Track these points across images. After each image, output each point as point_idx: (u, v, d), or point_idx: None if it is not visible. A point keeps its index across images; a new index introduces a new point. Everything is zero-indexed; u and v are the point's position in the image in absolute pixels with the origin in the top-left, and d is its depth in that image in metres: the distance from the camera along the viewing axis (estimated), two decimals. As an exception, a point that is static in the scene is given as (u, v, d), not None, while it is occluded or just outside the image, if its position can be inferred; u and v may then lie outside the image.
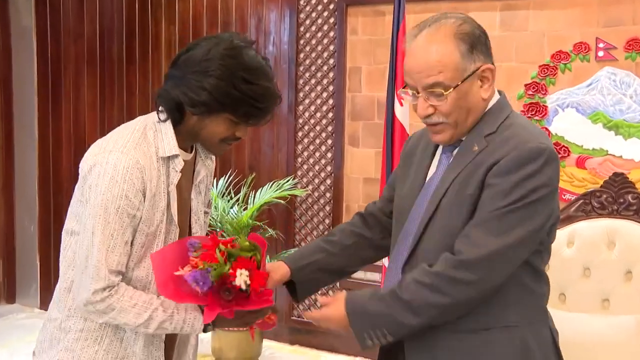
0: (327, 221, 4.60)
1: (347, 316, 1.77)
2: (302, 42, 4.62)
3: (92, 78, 5.34)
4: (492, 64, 1.79)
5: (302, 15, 4.60)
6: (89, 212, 1.78)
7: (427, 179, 1.88)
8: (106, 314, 1.79)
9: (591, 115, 3.82)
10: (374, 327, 1.73)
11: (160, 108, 1.87)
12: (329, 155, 4.58)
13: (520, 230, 1.67)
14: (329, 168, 4.59)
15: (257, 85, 1.79)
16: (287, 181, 4.52)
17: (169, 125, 1.87)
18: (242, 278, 1.76)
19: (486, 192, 1.70)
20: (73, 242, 1.88)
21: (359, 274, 4.50)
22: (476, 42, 1.74)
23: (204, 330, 1.89)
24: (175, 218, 1.89)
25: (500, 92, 1.85)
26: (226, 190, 4.55)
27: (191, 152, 1.97)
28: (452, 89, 1.72)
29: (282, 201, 4.46)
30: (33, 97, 5.51)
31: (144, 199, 1.80)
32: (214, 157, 2.12)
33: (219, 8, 4.84)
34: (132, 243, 1.83)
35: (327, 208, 4.60)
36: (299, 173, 4.69)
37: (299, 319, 4.74)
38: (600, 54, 3.77)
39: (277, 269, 2.00)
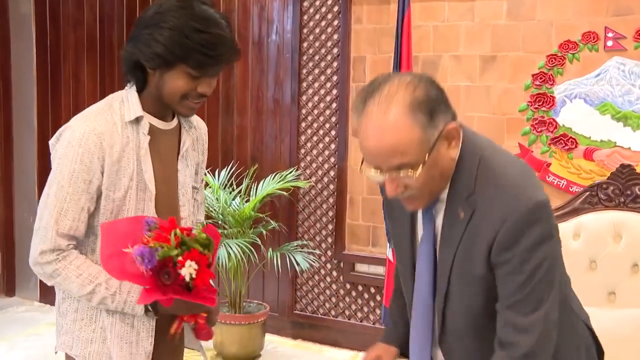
0: (330, 213, 4.56)
1: None
2: (305, 30, 4.56)
3: (92, 66, 5.29)
4: (454, 117, 1.61)
5: (305, 4, 4.55)
6: (49, 177, 1.87)
7: (418, 241, 1.78)
8: (53, 278, 1.85)
9: (599, 106, 3.77)
10: None
11: (125, 77, 1.93)
12: (333, 146, 4.52)
13: (550, 290, 1.61)
14: (332, 159, 4.54)
15: (208, 34, 1.79)
16: (290, 172, 4.48)
17: (133, 92, 1.91)
18: (188, 270, 1.73)
19: (500, 270, 1.60)
20: None
21: (363, 267, 4.48)
22: (435, 106, 1.55)
23: (145, 314, 1.90)
24: (150, 185, 1.90)
25: (458, 129, 1.63)
26: (228, 181, 4.51)
27: (172, 120, 2.00)
28: (420, 165, 1.55)
29: (285, 193, 4.42)
30: (32, 86, 5.46)
31: (104, 165, 1.83)
32: (201, 127, 2.14)
33: (221, -4, 4.79)
34: (97, 209, 1.86)
35: (331, 200, 4.55)
36: (302, 164, 4.64)
37: (302, 313, 4.70)
38: (609, 43, 3.71)
39: (387, 351, 1.96)
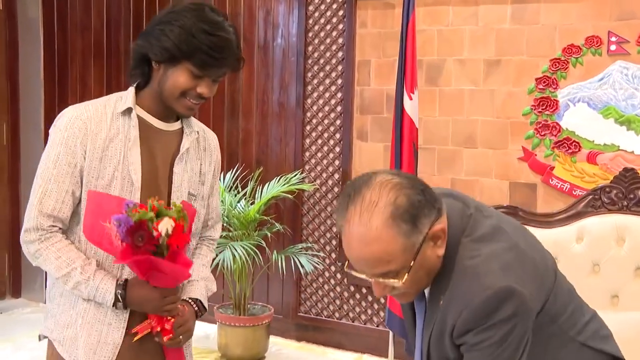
0: (334, 216, 4.56)
1: None
2: (310, 34, 4.59)
3: (98, 70, 5.33)
4: (439, 215, 1.57)
5: (310, 8, 4.57)
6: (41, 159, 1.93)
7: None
8: (36, 258, 1.91)
9: (603, 110, 3.78)
10: None
11: (133, 72, 1.99)
12: (337, 149, 4.54)
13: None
14: (337, 162, 4.56)
15: (215, 37, 1.87)
16: (295, 175, 4.50)
17: (132, 88, 1.99)
18: (165, 225, 1.77)
19: (469, 355, 1.59)
20: None
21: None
22: (418, 213, 1.51)
23: (114, 305, 1.90)
24: (134, 176, 1.92)
25: (438, 215, 1.59)
26: (233, 184, 4.53)
27: (174, 122, 2.05)
28: (405, 272, 1.53)
29: (289, 196, 4.44)
30: (39, 90, 5.50)
31: (86, 150, 1.88)
32: (210, 138, 2.15)
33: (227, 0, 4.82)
34: (82, 197, 1.90)
35: (335, 203, 4.57)
36: (307, 167, 4.66)
37: (306, 315, 4.72)
38: (613, 47, 3.73)
39: None
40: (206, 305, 2.14)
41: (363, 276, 1.58)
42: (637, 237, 2.74)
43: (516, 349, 1.55)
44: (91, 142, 1.89)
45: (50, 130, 1.94)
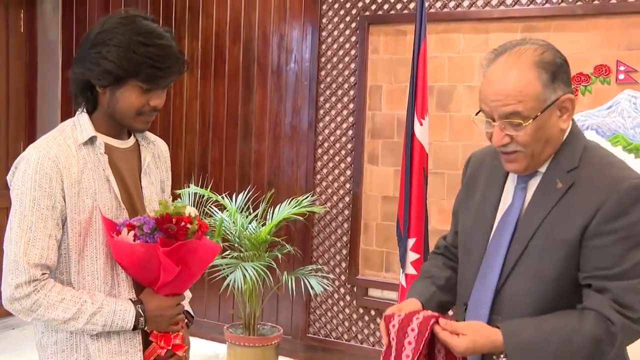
0: (344, 239, 4.62)
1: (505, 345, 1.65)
2: (323, 59, 4.66)
3: (115, 92, 5.41)
4: (572, 93, 1.71)
5: (324, 33, 4.65)
6: (10, 214, 1.81)
7: (501, 213, 1.81)
8: (33, 311, 1.79)
9: (611, 137, 3.82)
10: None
11: (75, 101, 1.93)
12: (348, 172, 4.59)
13: None
14: (347, 185, 4.61)
15: (154, 46, 1.81)
16: (306, 198, 4.54)
17: (84, 115, 1.91)
18: (189, 209, 1.87)
19: (603, 240, 1.62)
20: None
21: (376, 292, 4.52)
22: (558, 72, 1.66)
23: (134, 328, 1.88)
24: (120, 200, 1.90)
25: (572, 120, 1.76)
26: (245, 205, 4.58)
27: (128, 138, 2.01)
28: (531, 119, 1.64)
29: (300, 218, 4.48)
30: (57, 110, 5.61)
31: (64, 188, 1.80)
32: (160, 145, 2.14)
33: (242, 25, 4.90)
34: (65, 234, 1.83)
35: (345, 225, 4.62)
36: (318, 190, 4.71)
37: (314, 336, 4.74)
38: (621, 76, 3.78)
39: (412, 303, 1.89)
40: (192, 313, 2.17)
41: (489, 124, 1.70)
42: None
43: None
44: (66, 178, 1.81)
45: (14, 178, 1.83)
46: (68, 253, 1.84)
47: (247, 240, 4.30)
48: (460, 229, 1.94)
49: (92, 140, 1.89)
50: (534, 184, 1.76)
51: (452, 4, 4.22)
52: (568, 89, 1.69)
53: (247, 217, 4.46)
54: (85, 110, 1.92)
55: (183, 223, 1.85)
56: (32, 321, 1.86)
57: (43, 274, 1.79)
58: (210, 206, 4.56)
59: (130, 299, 1.90)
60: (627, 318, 1.59)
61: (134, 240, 1.84)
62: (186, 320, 2.10)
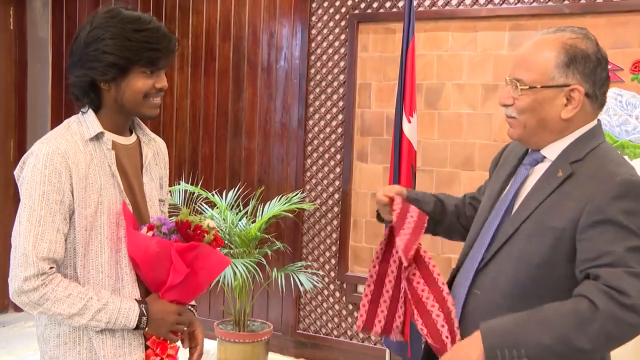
0: (334, 235, 4.64)
1: (482, 338, 1.63)
2: (313, 57, 4.68)
3: (105, 89, 5.42)
4: (592, 90, 1.72)
5: (313, 32, 4.67)
6: (19, 207, 1.84)
7: (504, 192, 1.87)
8: (40, 305, 1.82)
9: (598, 135, 3.85)
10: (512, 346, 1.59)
11: (78, 103, 1.97)
12: (338, 170, 4.62)
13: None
14: (337, 183, 4.63)
15: (147, 30, 1.89)
16: (296, 195, 4.57)
17: (89, 112, 1.95)
18: (208, 222, 1.96)
19: (592, 232, 1.63)
20: None
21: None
22: (579, 60, 1.70)
23: (136, 327, 1.91)
24: (124, 196, 1.94)
25: (598, 121, 1.80)
26: (235, 202, 4.60)
27: (130, 135, 2.05)
28: (528, 87, 1.72)
29: (290, 214, 4.50)
30: (47, 108, 5.61)
31: (72, 183, 1.84)
32: (159, 142, 2.18)
33: (232, 22, 4.92)
34: (72, 228, 1.86)
35: (335, 222, 4.64)
36: (308, 187, 4.74)
37: (304, 332, 4.77)
38: (607, 75, 3.81)
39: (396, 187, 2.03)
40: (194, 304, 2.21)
41: (507, 78, 1.78)
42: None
43: None
44: (75, 174, 1.85)
45: (23, 173, 1.87)
46: (74, 247, 1.87)
47: (237, 237, 4.32)
48: (481, 203, 2.02)
49: (98, 137, 1.93)
50: (541, 169, 1.80)
51: (440, 3, 4.25)
52: (585, 83, 1.71)
53: (237, 214, 4.48)
54: (90, 109, 1.96)
55: (200, 231, 1.93)
56: (37, 314, 1.89)
57: (51, 267, 1.82)
58: (200, 203, 4.57)
59: (135, 299, 1.93)
60: (618, 303, 1.54)
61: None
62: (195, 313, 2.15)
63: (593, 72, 1.72)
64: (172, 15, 5.14)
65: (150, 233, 1.92)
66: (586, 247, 1.63)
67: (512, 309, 1.67)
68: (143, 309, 1.91)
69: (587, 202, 1.64)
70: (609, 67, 3.76)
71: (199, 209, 4.55)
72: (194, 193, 4.61)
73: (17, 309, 5.59)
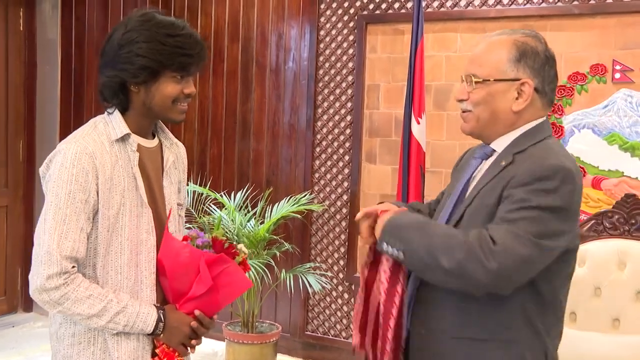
0: (342, 237, 4.64)
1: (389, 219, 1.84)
2: (321, 58, 4.68)
3: (114, 91, 5.43)
4: (542, 86, 1.83)
5: (322, 33, 4.67)
6: (45, 202, 1.85)
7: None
8: (60, 304, 1.82)
9: (607, 136, 3.84)
10: (397, 239, 1.79)
11: (106, 103, 1.98)
12: (346, 171, 4.61)
13: (529, 233, 1.67)
14: (345, 184, 4.63)
15: (180, 36, 1.91)
16: (304, 196, 4.56)
17: (116, 113, 1.96)
18: (241, 247, 2.03)
19: (504, 205, 1.73)
20: None
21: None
22: (529, 56, 1.81)
23: (152, 332, 1.91)
24: (145, 199, 1.94)
25: (546, 117, 1.89)
26: (243, 204, 4.60)
27: (153, 138, 2.06)
28: (482, 81, 1.81)
29: (298, 216, 4.50)
30: (55, 109, 5.63)
31: (98, 183, 1.85)
32: (180, 146, 2.19)
33: (240, 23, 4.92)
34: (94, 228, 1.87)
35: (343, 224, 4.64)
36: (316, 188, 4.73)
37: (313, 334, 4.76)
38: (617, 75, 3.80)
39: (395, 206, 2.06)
40: None
41: (462, 76, 1.88)
42: (637, 262, 2.79)
43: (547, 228, 1.69)
44: (101, 174, 1.86)
45: (50, 171, 1.87)
46: (95, 247, 1.88)
47: (246, 238, 4.32)
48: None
49: (124, 138, 1.94)
50: (490, 162, 1.89)
51: (449, 4, 4.24)
52: (533, 77, 1.81)
53: (245, 215, 4.48)
54: (116, 109, 1.97)
55: (233, 250, 2.00)
56: (56, 313, 1.89)
57: (73, 266, 1.83)
58: (209, 204, 4.58)
59: (154, 305, 1.93)
60: (483, 244, 1.65)
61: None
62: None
63: (542, 68, 1.82)
64: (181, 16, 5.15)
65: (184, 243, 1.97)
66: (496, 214, 1.74)
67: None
68: (161, 315, 1.92)
69: (513, 178, 1.74)
70: (619, 67, 3.78)
71: (207, 210, 4.55)
72: (202, 194, 4.61)
73: (27, 309, 5.61)
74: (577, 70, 3.88)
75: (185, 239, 1.98)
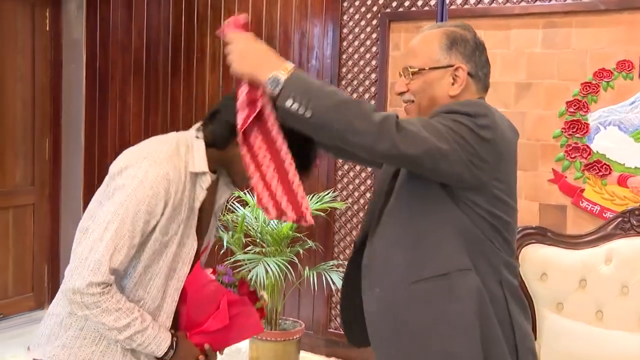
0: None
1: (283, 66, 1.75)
2: (344, 57, 4.67)
3: (137, 88, 5.48)
4: (475, 71, 1.93)
5: (345, 30, 4.67)
6: (108, 208, 1.84)
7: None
8: (89, 309, 1.82)
9: (633, 133, 3.80)
10: (304, 95, 1.68)
11: (201, 126, 1.97)
12: (369, 168, 4.61)
13: (437, 138, 1.71)
14: (368, 182, 4.63)
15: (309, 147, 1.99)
16: (328, 194, 4.56)
17: (201, 143, 1.94)
18: (265, 295, 2.14)
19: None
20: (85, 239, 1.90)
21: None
22: (459, 43, 1.91)
23: (161, 357, 1.93)
24: (194, 234, 1.97)
25: (481, 99, 1.97)
26: (267, 201, 4.60)
27: (214, 173, 2.03)
28: (418, 70, 1.90)
29: (322, 213, 4.50)
30: (81, 107, 5.68)
31: (165, 210, 1.86)
32: (232, 186, 2.15)
33: (264, 22, 4.93)
34: (142, 248, 1.88)
35: (366, 221, 4.63)
36: (339, 186, 4.73)
37: (336, 331, 4.77)
38: (644, 72, 3.76)
39: None
40: None
41: (400, 72, 1.96)
42: (665, 260, 2.77)
43: (460, 143, 1.73)
44: (171, 203, 1.87)
45: (125, 181, 1.85)
46: (135, 265, 1.90)
47: (269, 235, 4.33)
48: None
49: (199, 174, 1.95)
50: None
51: (472, 1, 4.22)
52: (466, 62, 1.90)
53: (269, 213, 4.48)
54: (203, 139, 1.95)
55: (255, 296, 2.10)
56: (81, 315, 1.87)
57: (114, 279, 1.85)
58: (232, 202, 4.60)
59: (170, 331, 1.96)
60: (392, 122, 1.67)
61: None
62: None
63: (473, 54, 1.92)
64: (204, 14, 5.18)
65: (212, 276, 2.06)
66: None
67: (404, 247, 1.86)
68: (174, 343, 1.94)
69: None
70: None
71: (231, 207, 4.57)
72: (226, 192, 4.63)
73: (53, 306, 5.66)
74: (603, 67, 3.84)
75: (213, 272, 2.04)
